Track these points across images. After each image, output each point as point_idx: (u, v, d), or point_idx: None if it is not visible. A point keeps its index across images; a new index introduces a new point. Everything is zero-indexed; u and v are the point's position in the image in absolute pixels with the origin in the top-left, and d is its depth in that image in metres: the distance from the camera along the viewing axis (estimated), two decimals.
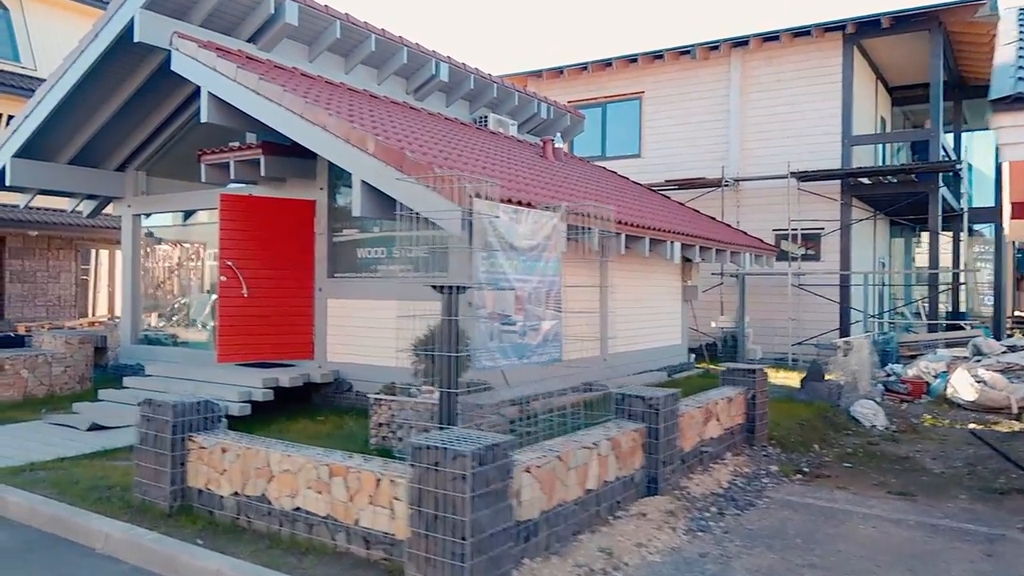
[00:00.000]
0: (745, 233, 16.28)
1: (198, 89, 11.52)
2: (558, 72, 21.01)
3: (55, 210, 20.07)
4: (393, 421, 6.99)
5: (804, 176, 17.05)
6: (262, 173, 9.51)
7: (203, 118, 8.60)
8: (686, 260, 14.52)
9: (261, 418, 8.63)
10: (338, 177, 10.04)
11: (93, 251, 21.87)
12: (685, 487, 6.33)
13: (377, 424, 7.09)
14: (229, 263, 9.60)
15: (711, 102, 19.00)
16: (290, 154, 9.80)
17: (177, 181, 12.86)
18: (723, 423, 7.47)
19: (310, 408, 9.54)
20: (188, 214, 12.71)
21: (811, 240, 17.70)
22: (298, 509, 4.75)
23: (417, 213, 7.44)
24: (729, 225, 16.81)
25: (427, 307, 8.78)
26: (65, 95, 10.53)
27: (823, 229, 17.45)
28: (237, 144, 9.86)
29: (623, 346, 11.66)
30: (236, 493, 5.05)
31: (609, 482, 5.47)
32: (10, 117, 19.29)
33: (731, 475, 6.95)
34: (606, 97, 20.59)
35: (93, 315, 21.89)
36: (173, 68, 9.01)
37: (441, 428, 5.28)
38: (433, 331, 7.43)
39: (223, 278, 9.57)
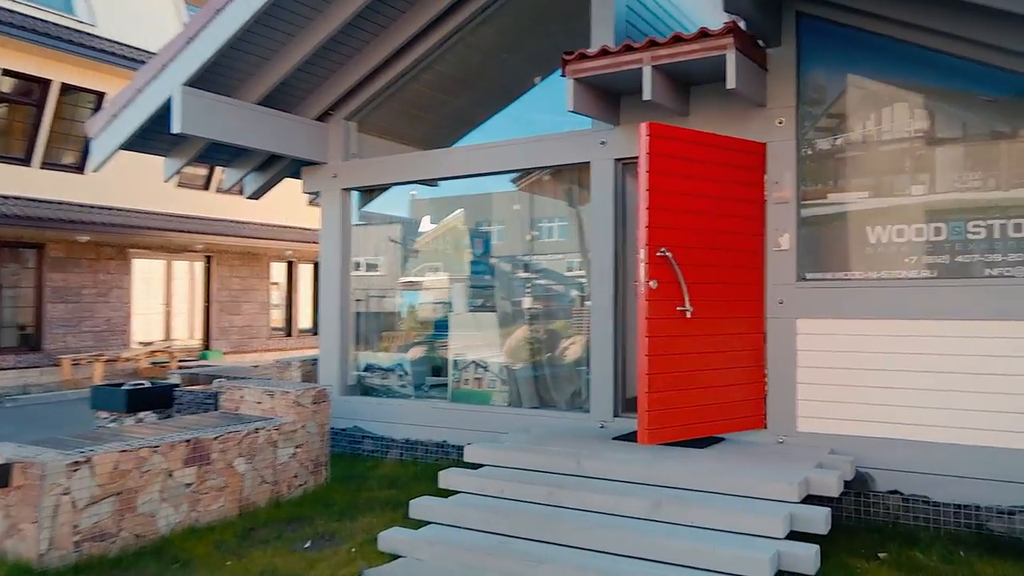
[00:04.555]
0: None
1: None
2: None
3: (103, 208, 15.36)
4: None
5: None
6: (732, 83, 5.02)
7: None
8: None
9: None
10: (815, 100, 5.63)
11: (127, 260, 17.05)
12: None
13: None
14: (665, 254, 5.08)
15: None
16: (748, 55, 5.37)
17: (392, 143, 8.37)
18: None
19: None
20: (409, 192, 8.16)
21: None
22: None
23: None
24: None
25: None
26: None
27: None
28: (672, 35, 5.30)
29: None
30: None
31: None
32: (63, 85, 14.56)
33: None
34: None
35: (146, 343, 17.07)
36: None
37: None
38: None
39: (651, 283, 5.04)
